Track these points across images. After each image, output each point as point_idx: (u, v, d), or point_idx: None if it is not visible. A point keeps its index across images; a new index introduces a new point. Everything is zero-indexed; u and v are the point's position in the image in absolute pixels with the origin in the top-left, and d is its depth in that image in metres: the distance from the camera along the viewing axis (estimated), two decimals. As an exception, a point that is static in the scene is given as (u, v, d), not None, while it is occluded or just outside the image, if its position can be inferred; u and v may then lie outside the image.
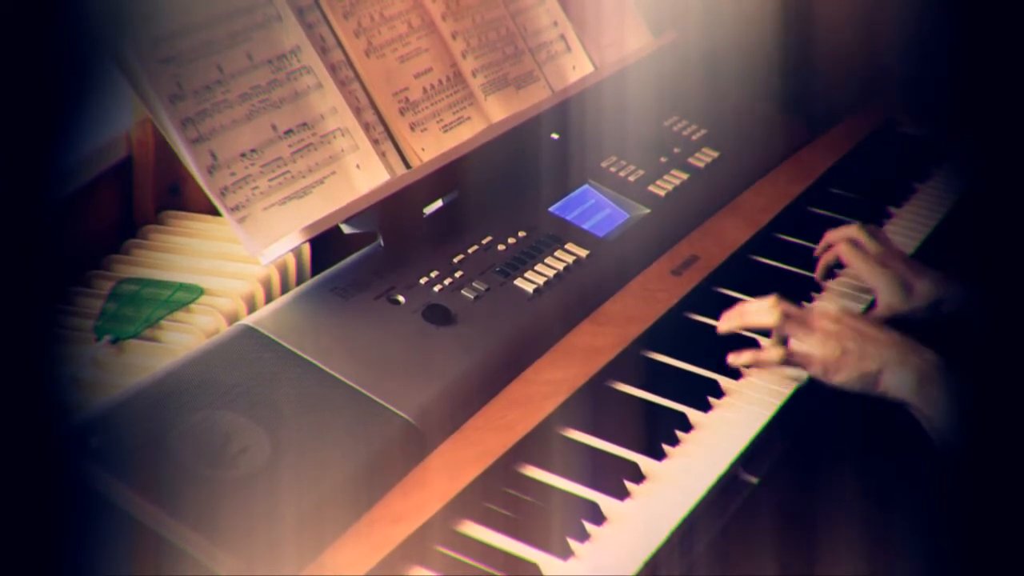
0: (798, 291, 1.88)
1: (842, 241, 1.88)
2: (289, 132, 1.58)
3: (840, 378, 1.58)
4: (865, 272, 1.82)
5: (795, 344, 1.61)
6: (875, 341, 1.58)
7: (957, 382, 1.53)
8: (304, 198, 1.56)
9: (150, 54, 1.47)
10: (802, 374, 1.64)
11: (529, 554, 1.35)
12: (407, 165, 1.71)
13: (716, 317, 1.80)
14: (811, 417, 1.65)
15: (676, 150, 2.11)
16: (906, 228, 2.12)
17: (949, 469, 1.55)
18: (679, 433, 1.55)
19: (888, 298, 1.78)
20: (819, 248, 1.92)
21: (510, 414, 1.50)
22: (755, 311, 1.64)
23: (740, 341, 1.74)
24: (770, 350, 1.58)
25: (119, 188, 1.79)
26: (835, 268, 1.92)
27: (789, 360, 1.60)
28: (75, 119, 1.52)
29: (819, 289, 1.90)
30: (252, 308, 1.66)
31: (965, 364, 1.55)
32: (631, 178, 1.99)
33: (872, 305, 1.82)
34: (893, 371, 1.56)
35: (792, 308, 1.63)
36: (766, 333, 1.70)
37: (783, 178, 2.17)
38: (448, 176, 1.75)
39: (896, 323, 1.76)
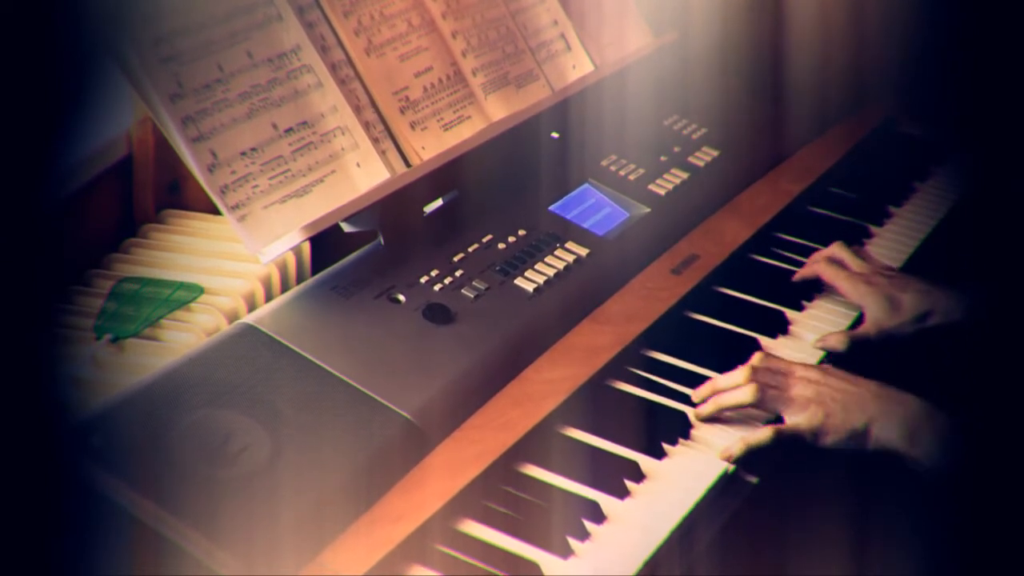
0: (797, 291, 1.88)
1: (822, 260, 1.87)
2: (289, 131, 1.58)
3: (828, 441, 1.54)
4: (850, 291, 1.81)
5: (784, 424, 1.56)
6: (857, 397, 1.55)
7: (944, 422, 1.52)
8: (304, 197, 1.56)
9: (150, 53, 1.47)
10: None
11: (529, 553, 1.34)
12: (407, 164, 1.71)
13: (716, 316, 1.80)
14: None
15: (676, 149, 2.11)
16: (906, 228, 2.12)
17: (948, 503, 1.55)
18: (679, 433, 1.55)
19: (875, 314, 1.77)
20: (800, 273, 1.91)
21: (510, 413, 1.50)
22: (731, 394, 1.57)
23: (740, 341, 1.74)
24: (757, 432, 1.55)
25: (119, 187, 1.79)
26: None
27: (780, 436, 1.54)
28: (75, 119, 1.52)
29: (819, 290, 1.89)
30: (252, 307, 1.66)
31: (948, 405, 1.54)
32: (631, 177, 1.99)
33: (859, 321, 1.81)
34: (881, 424, 1.53)
35: (767, 376, 1.57)
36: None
37: (783, 177, 2.16)
38: (448, 175, 1.75)
39: (885, 343, 1.76)
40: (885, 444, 1.53)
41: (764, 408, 1.57)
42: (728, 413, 1.58)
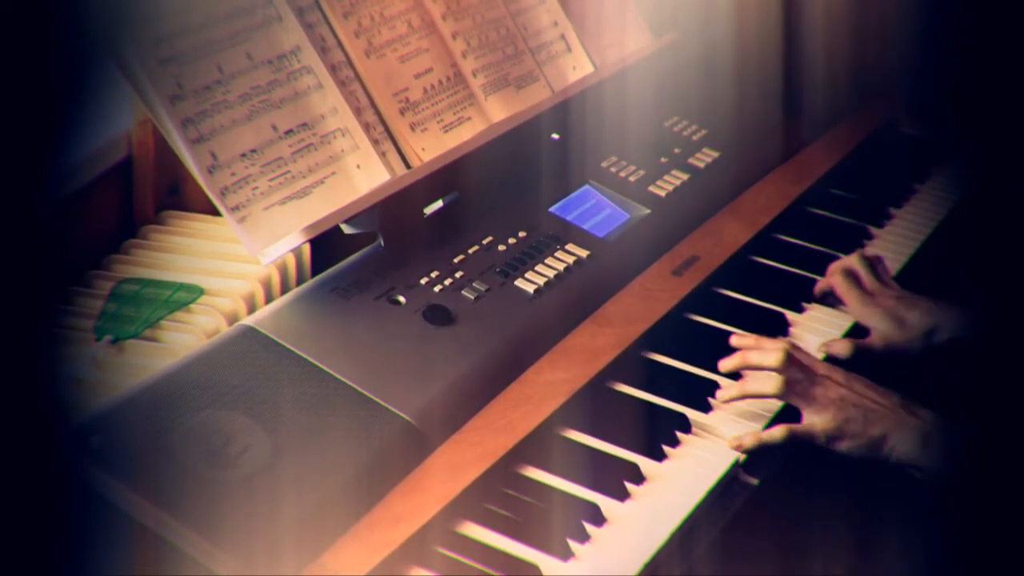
0: (797, 292, 1.88)
1: (839, 272, 1.87)
2: (289, 132, 1.58)
3: (843, 447, 1.56)
4: (857, 310, 1.82)
5: (799, 424, 1.58)
6: (878, 407, 1.56)
7: (956, 434, 1.54)
8: (304, 198, 1.56)
9: (150, 54, 1.47)
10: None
11: (529, 555, 1.34)
12: (407, 165, 1.71)
13: (716, 318, 1.80)
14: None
15: (676, 150, 2.11)
16: (906, 229, 2.12)
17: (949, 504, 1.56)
18: (679, 434, 1.55)
19: (882, 332, 1.78)
20: (821, 282, 1.91)
21: (510, 415, 1.50)
22: (758, 384, 1.58)
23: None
24: (771, 430, 1.55)
25: (119, 188, 1.79)
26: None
27: (793, 436, 1.56)
28: (75, 119, 1.52)
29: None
30: (252, 308, 1.65)
31: (959, 418, 1.55)
32: (631, 178, 1.99)
33: (859, 325, 1.82)
34: (898, 436, 1.55)
35: (795, 370, 1.58)
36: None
37: (783, 179, 2.17)
38: (448, 176, 1.75)
39: (892, 357, 1.77)
40: (898, 455, 1.55)
41: (784, 400, 1.57)
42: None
